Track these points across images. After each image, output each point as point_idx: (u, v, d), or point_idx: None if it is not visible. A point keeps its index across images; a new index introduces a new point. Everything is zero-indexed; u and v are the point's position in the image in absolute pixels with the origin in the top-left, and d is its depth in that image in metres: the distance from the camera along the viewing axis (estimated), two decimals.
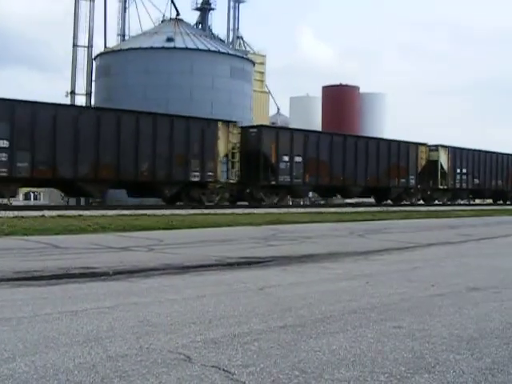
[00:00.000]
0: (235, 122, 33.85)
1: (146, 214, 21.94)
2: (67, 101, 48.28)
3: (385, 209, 35.43)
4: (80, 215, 20.45)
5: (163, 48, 48.48)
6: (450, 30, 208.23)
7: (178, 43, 49.30)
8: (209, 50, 49.97)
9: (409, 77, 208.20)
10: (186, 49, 49.11)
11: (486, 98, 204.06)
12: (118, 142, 28.85)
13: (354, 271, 9.24)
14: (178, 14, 54.74)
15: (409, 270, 9.56)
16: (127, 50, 49.56)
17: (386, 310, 6.27)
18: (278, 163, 34.00)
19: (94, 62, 51.19)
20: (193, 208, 28.02)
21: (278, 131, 35.53)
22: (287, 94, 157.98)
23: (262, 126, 36.69)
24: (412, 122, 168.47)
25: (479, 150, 48.69)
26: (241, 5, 60.62)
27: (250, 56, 58.50)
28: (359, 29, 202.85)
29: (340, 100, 61.19)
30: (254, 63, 56.50)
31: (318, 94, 74.47)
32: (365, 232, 17.37)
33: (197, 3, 58.78)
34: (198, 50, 49.34)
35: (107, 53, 51.17)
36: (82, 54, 50.82)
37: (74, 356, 4.37)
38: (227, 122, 33.11)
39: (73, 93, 50.23)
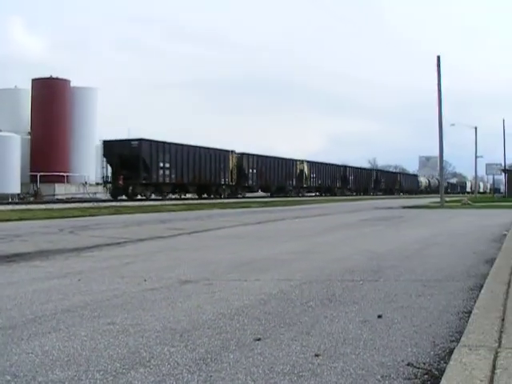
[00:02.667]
0: (234, 150, 62.23)
1: None
2: None
3: (96, 204, 35.46)
4: None
5: None
6: (168, 27, 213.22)
7: None
8: None
9: (126, 71, 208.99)
10: None
11: (204, 95, 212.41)
12: (200, 163, 55.84)
13: (65, 269, 9.04)
14: None
15: (121, 265, 9.57)
16: None
17: (99, 306, 6.21)
18: (249, 174, 63.60)
19: None
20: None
21: (248, 155, 63.89)
22: None
23: (243, 153, 63.54)
24: (127, 116, 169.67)
25: (326, 163, 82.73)
26: None
27: None
28: (72, 22, 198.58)
29: (50, 93, 59.21)
30: None
31: (29, 86, 71.50)
32: (75, 229, 17.10)
33: None
34: None
35: None
36: None
37: None
38: (232, 151, 61.41)
39: None
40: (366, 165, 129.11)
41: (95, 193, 53.75)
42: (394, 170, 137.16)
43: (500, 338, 4.34)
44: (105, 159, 51.22)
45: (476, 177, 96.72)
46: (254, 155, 65.56)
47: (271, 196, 67.49)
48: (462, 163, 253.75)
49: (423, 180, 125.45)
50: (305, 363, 4.26)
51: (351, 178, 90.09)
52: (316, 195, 78.82)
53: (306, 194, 76.35)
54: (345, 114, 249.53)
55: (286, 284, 7.64)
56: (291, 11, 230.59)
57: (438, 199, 44.33)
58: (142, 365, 4.21)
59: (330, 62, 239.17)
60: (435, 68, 43.48)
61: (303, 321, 5.57)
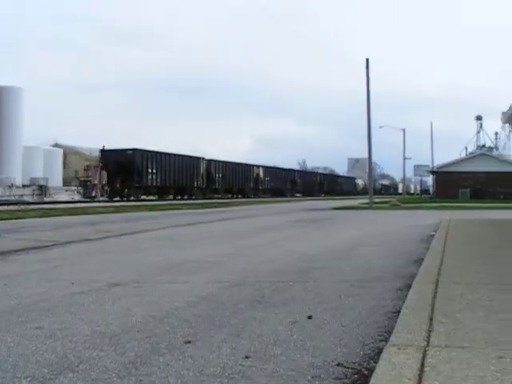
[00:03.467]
0: (204, 157, 73.16)
1: None
2: None
3: (23, 207, 34.82)
4: None
5: None
6: (97, 26, 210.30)
7: None
8: None
9: (53, 71, 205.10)
10: None
11: (140, 95, 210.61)
12: (178, 169, 66.14)
13: None
14: None
15: (48, 268, 9.38)
16: None
17: (26, 311, 6.08)
18: (215, 178, 73.67)
19: None
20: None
21: (215, 162, 75.16)
22: None
23: (211, 160, 74.36)
24: (54, 116, 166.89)
25: (278, 168, 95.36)
26: None
27: None
28: None
29: None
30: None
31: None
32: (1, 231, 16.69)
33: None
34: None
35: None
36: None
37: None
38: (203, 158, 72.39)
39: None
40: (295, 166, 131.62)
41: (22, 195, 52.69)
42: (324, 172, 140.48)
43: (428, 336, 4.41)
44: (102, 166, 60.01)
45: (404, 178, 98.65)
46: (219, 161, 76.31)
47: (232, 198, 74.81)
48: (390, 164, 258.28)
49: (360, 182, 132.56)
50: (235, 365, 4.25)
51: (299, 181, 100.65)
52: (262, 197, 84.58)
53: (262, 196, 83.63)
54: (272, 115, 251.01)
55: (216, 286, 7.62)
56: (224, 13, 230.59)
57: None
58: (71, 370, 4.13)
59: (261, 64, 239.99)
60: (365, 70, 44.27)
61: (233, 323, 5.56)
